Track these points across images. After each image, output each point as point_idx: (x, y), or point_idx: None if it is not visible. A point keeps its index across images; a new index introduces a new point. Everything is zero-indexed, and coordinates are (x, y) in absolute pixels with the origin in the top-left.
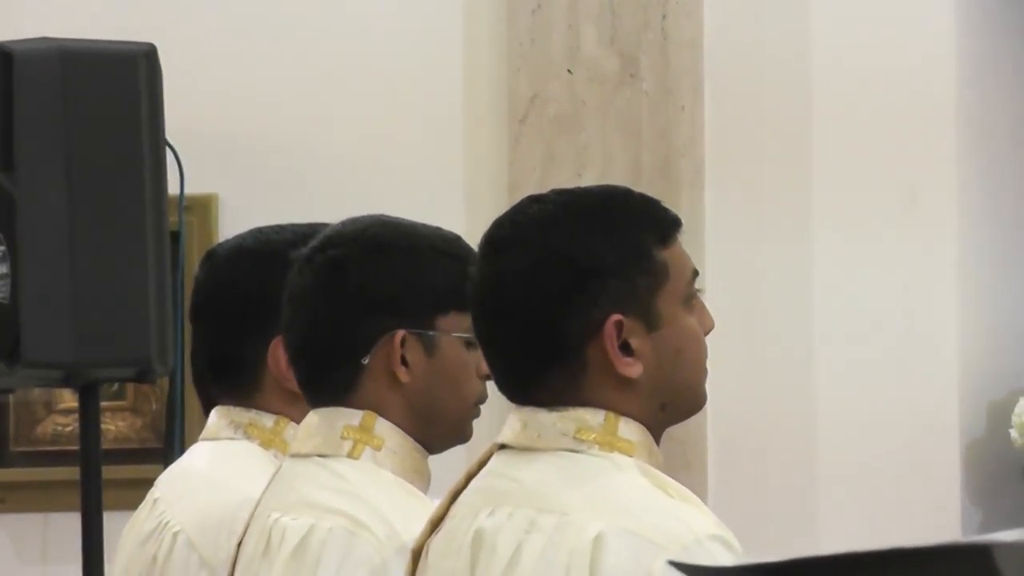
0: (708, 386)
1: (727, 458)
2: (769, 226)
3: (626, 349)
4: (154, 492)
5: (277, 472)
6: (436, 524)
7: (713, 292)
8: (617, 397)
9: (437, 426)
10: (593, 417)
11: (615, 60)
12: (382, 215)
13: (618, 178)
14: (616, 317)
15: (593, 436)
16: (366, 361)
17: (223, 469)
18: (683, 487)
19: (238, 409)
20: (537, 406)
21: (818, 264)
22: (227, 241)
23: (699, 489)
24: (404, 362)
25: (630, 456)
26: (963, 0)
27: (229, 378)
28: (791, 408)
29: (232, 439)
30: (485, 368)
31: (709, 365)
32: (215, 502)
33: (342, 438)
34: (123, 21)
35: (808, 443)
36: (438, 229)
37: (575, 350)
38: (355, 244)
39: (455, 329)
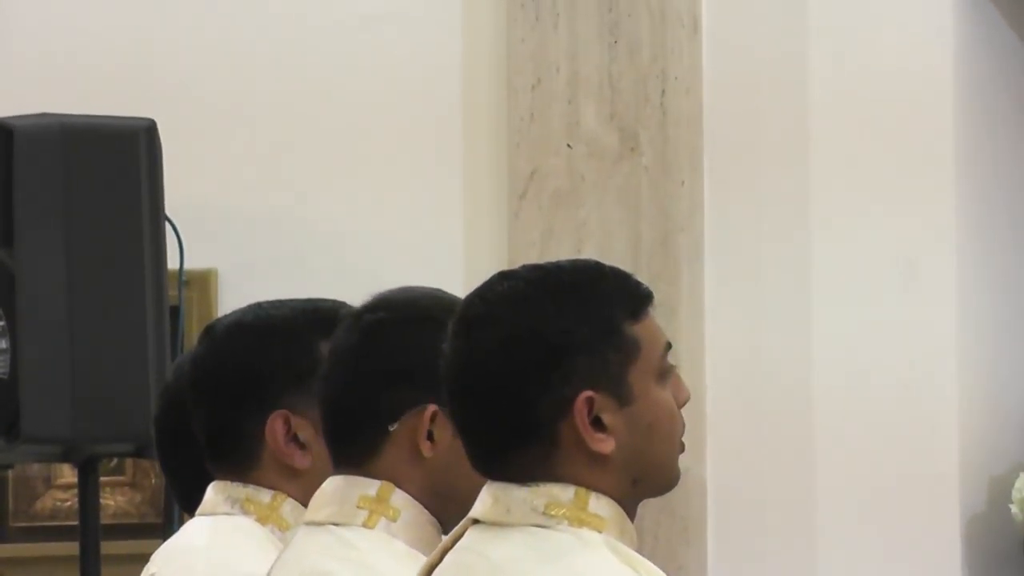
0: (708, 458)
1: (728, 532)
2: (769, 301)
3: (598, 425)
4: (149, 567)
5: (291, 540)
6: None
7: (714, 367)
8: (589, 473)
9: (454, 504)
10: (563, 492)
11: (614, 135)
12: (439, 290)
13: (617, 253)
14: (587, 394)
15: (563, 512)
16: (393, 428)
17: (219, 545)
18: (651, 564)
19: (235, 484)
20: (509, 481)
21: (817, 339)
22: (226, 316)
23: (700, 563)
24: (430, 437)
25: (600, 532)
26: (962, 77)
27: (227, 453)
28: (790, 481)
29: (229, 514)
30: None
31: (708, 436)
32: None
33: (358, 507)
34: (123, 96)
35: (808, 519)
36: None
37: (547, 427)
38: (403, 311)
39: None
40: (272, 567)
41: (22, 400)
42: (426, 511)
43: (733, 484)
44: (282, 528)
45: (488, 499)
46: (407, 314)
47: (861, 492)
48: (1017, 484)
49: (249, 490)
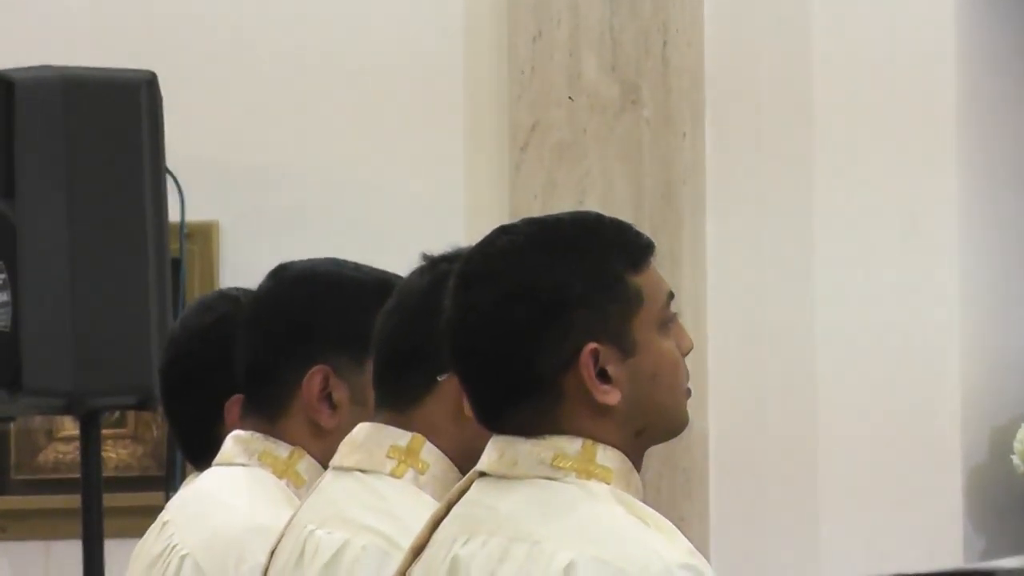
0: (709, 411)
1: (729, 485)
2: (770, 251)
3: (603, 376)
4: (164, 515)
5: (317, 484)
6: (417, 551)
7: (715, 317)
8: (594, 424)
9: None
10: (570, 445)
11: (616, 88)
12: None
13: (619, 205)
14: (591, 346)
15: (570, 464)
16: (441, 379)
17: (234, 494)
18: (659, 515)
19: (255, 436)
20: (514, 434)
21: (819, 289)
22: (300, 261)
23: (702, 515)
24: None
25: (607, 484)
26: (964, 27)
27: (261, 394)
28: (792, 434)
29: (245, 465)
30: None
31: (710, 389)
32: (224, 526)
33: (387, 456)
34: (124, 49)
35: (810, 470)
36: None
37: (551, 380)
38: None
39: None
40: (297, 511)
41: (24, 353)
42: (455, 468)
43: (735, 436)
44: (297, 484)
45: (494, 452)
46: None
47: (863, 444)
48: (1019, 435)
49: (268, 443)
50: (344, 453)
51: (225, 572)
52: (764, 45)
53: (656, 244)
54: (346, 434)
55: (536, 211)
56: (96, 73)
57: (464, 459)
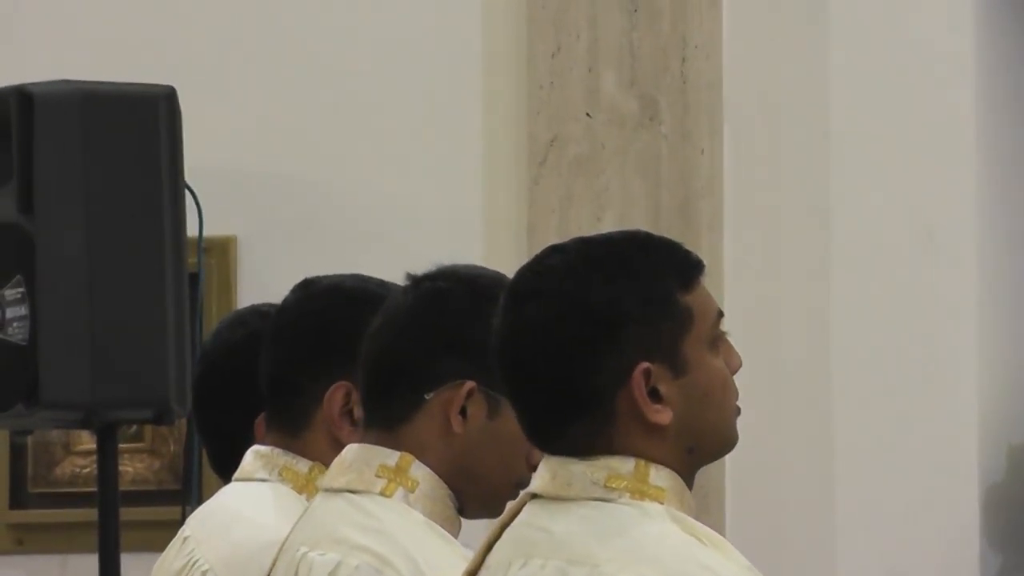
0: None
1: (745, 501)
2: (788, 267)
3: (654, 396)
4: (185, 530)
5: (308, 506)
6: (471, 575)
7: (731, 333)
8: (646, 444)
9: (474, 487)
10: (623, 465)
11: (634, 103)
12: (505, 276)
13: (637, 220)
14: (644, 365)
15: (624, 484)
16: (428, 397)
17: (255, 510)
18: (715, 533)
19: (276, 451)
20: (567, 455)
21: (836, 305)
22: (327, 276)
23: (718, 531)
24: (463, 413)
25: (661, 503)
26: (983, 40)
27: (284, 407)
28: (808, 451)
29: (265, 480)
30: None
31: None
32: (244, 541)
33: (376, 476)
34: (143, 63)
35: (826, 486)
36: None
37: (603, 399)
38: (463, 284)
39: None
40: (290, 533)
41: (41, 366)
42: (445, 486)
43: (750, 452)
44: None
45: (547, 474)
46: (465, 288)
47: (880, 460)
48: None
49: (288, 458)
50: (333, 474)
51: None
52: (782, 60)
53: None
54: None
55: (554, 226)
56: (115, 87)
57: (453, 476)
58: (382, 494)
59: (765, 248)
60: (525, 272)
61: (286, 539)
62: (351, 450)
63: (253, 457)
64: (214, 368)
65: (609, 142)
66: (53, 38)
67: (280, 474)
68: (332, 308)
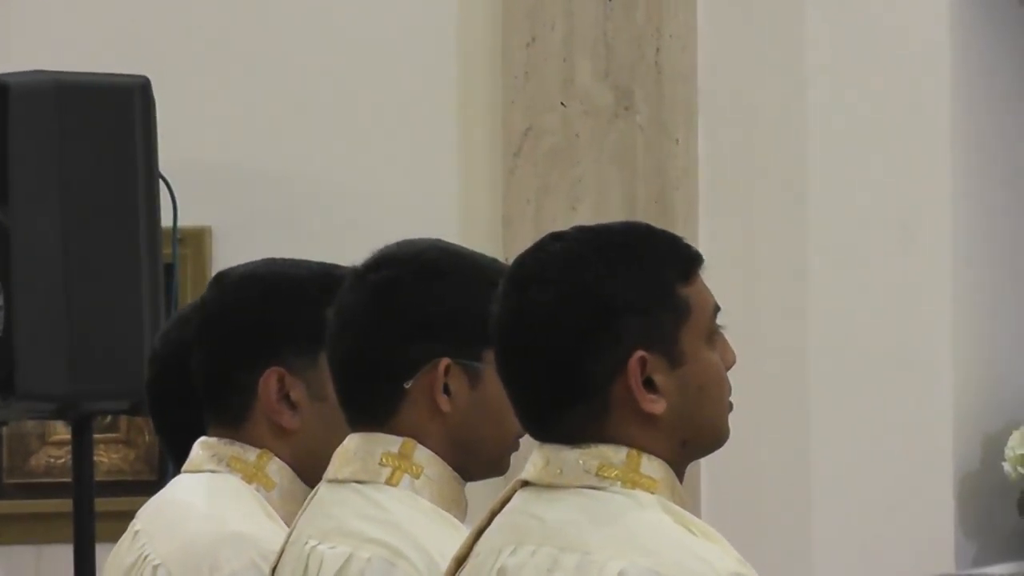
0: None
1: (721, 491)
2: (763, 258)
3: (649, 386)
4: (135, 524)
5: (312, 497)
6: (461, 562)
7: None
8: (640, 434)
9: (475, 457)
10: (615, 454)
11: (609, 93)
12: (439, 240)
13: (612, 211)
14: (640, 354)
15: (615, 473)
16: (408, 386)
17: (204, 502)
18: (706, 524)
19: (222, 442)
20: (560, 442)
21: (812, 295)
22: (239, 266)
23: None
24: (447, 391)
25: (652, 493)
26: (958, 32)
27: (221, 402)
28: (785, 441)
29: (215, 472)
30: None
31: None
32: (196, 535)
33: (381, 464)
34: (117, 54)
35: (802, 476)
36: (494, 260)
37: (599, 387)
38: (409, 267)
39: None
40: (294, 526)
41: (16, 357)
42: (448, 466)
43: (727, 445)
44: (267, 487)
45: (539, 461)
46: (412, 269)
47: (856, 451)
48: (1010, 443)
49: (236, 448)
50: (338, 465)
51: None
52: (757, 51)
53: None
54: (311, 432)
55: (529, 217)
56: (89, 78)
57: (455, 452)
58: (388, 483)
59: (740, 239)
60: (525, 259)
61: (291, 531)
62: (353, 439)
63: (200, 448)
64: (166, 368)
65: (584, 132)
66: (28, 29)
67: (228, 464)
68: (247, 299)
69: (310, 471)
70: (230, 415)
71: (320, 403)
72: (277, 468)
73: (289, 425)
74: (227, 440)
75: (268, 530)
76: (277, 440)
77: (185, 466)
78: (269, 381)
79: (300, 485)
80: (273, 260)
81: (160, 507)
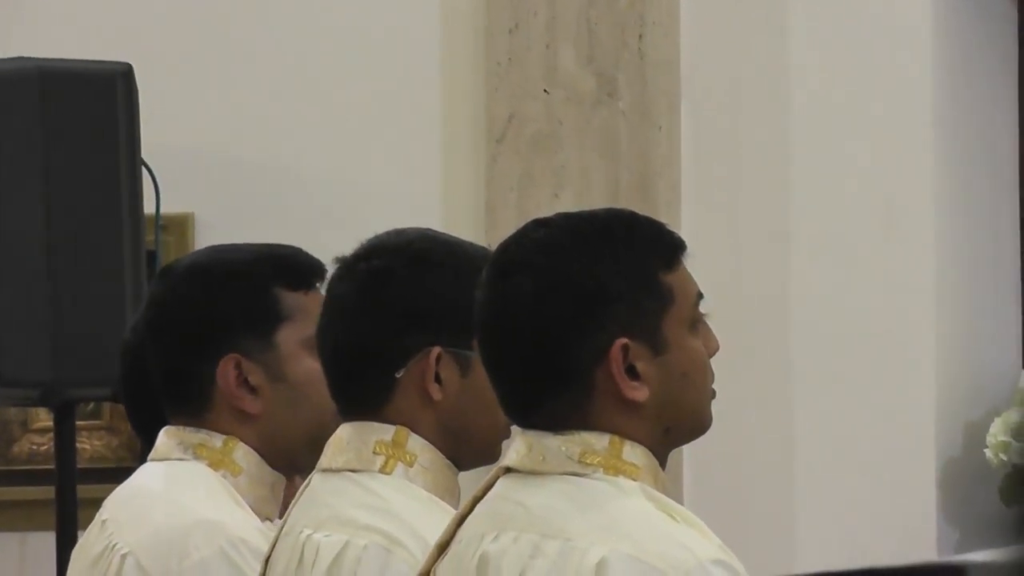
0: None
1: (704, 478)
2: (746, 245)
3: (632, 373)
4: (102, 513)
5: (306, 487)
6: (443, 548)
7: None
8: (622, 421)
9: (468, 445)
10: (598, 441)
11: (592, 80)
12: (428, 229)
13: (595, 197)
14: (622, 341)
15: (598, 460)
16: (399, 375)
17: (172, 490)
18: (688, 511)
19: (188, 429)
20: (543, 429)
21: (795, 282)
22: (183, 258)
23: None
24: (438, 379)
25: (635, 480)
26: (940, 26)
27: (180, 394)
28: (768, 428)
29: (181, 460)
30: None
31: None
32: (164, 523)
33: (374, 453)
34: (100, 40)
35: (785, 462)
36: (483, 249)
37: (581, 374)
38: (399, 256)
39: None
40: (288, 515)
41: None
42: (441, 454)
43: (710, 432)
44: (234, 473)
45: (522, 447)
46: (403, 259)
47: (839, 437)
48: (992, 429)
49: (202, 435)
50: (331, 455)
51: (168, 570)
52: (740, 37)
53: None
54: (274, 414)
55: (512, 204)
56: (72, 65)
57: (447, 441)
58: (382, 471)
59: (723, 226)
60: (509, 245)
61: (283, 523)
62: (346, 429)
63: (166, 437)
64: (138, 360)
65: (567, 119)
66: (10, 15)
67: (194, 452)
68: (194, 290)
69: (277, 454)
70: (192, 407)
71: (280, 384)
72: (243, 454)
73: (251, 409)
74: (192, 428)
75: (236, 517)
76: (242, 426)
77: (151, 455)
78: (227, 368)
79: (267, 470)
80: (216, 247)
81: (127, 496)
